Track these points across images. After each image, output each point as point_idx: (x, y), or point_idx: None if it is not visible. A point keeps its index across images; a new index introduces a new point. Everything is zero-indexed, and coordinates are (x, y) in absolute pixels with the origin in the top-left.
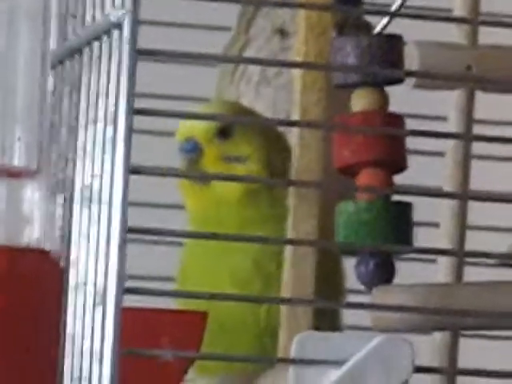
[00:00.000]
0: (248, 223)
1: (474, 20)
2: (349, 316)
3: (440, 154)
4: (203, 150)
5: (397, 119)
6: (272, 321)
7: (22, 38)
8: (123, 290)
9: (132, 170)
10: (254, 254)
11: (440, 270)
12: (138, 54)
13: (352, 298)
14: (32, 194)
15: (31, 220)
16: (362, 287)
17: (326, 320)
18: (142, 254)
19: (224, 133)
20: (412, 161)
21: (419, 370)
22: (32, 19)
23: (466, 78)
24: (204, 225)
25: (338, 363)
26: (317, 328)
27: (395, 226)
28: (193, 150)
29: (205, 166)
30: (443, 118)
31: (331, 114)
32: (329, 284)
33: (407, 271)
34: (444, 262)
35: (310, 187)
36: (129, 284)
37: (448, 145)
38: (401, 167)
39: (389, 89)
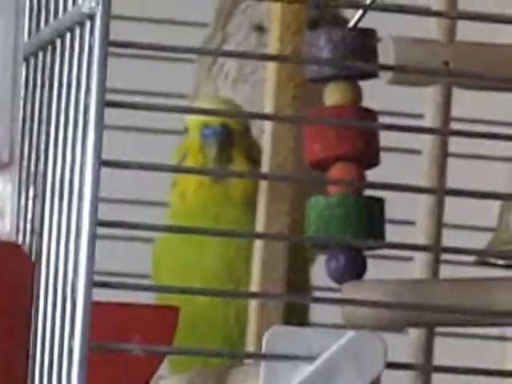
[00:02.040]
0: (248, 224)
1: (450, 14)
2: (316, 314)
3: (417, 151)
4: (233, 141)
5: (370, 114)
6: (241, 319)
7: None
8: (92, 284)
9: (103, 162)
10: (226, 257)
11: (416, 269)
12: (110, 45)
13: (321, 295)
14: (3, 187)
15: (2, 213)
16: (331, 284)
17: (295, 317)
18: (117, 250)
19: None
20: (388, 158)
21: (394, 366)
22: (4, 11)
23: (442, 73)
24: (199, 220)
25: (309, 358)
26: (286, 324)
27: (367, 221)
28: (226, 135)
29: (231, 158)
30: (419, 116)
31: (305, 110)
32: (297, 280)
33: (384, 269)
34: (420, 260)
35: (285, 182)
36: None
37: (424, 142)
38: (373, 163)
39: (367, 86)
